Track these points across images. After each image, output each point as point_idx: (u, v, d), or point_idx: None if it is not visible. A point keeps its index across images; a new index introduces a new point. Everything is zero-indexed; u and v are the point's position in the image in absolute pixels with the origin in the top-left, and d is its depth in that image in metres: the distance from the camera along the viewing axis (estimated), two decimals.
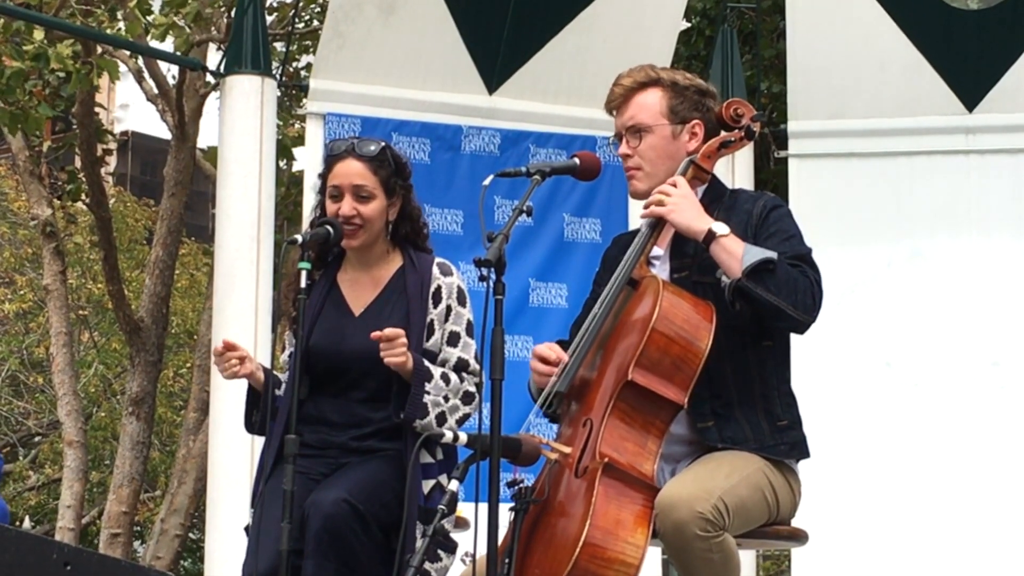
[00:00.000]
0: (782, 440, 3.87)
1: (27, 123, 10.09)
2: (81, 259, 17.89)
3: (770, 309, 3.75)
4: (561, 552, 3.55)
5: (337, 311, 4.34)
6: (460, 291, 4.36)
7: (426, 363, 4.21)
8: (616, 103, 4.03)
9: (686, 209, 3.84)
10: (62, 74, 10.56)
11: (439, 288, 4.33)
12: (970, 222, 7.15)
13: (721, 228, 3.79)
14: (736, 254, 3.75)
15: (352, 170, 4.29)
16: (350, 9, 6.99)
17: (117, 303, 12.06)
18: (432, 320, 4.31)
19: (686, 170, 3.97)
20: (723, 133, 4.02)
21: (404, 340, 4.10)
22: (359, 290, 4.37)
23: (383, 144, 4.38)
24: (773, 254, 3.75)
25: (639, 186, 4.02)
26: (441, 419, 4.19)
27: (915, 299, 7.14)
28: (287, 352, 4.45)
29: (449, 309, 4.33)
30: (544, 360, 3.89)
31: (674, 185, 3.89)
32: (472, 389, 4.28)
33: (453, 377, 4.26)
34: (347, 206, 4.26)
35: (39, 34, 9.29)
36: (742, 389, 3.85)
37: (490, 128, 7.22)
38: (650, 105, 3.99)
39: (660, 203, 3.86)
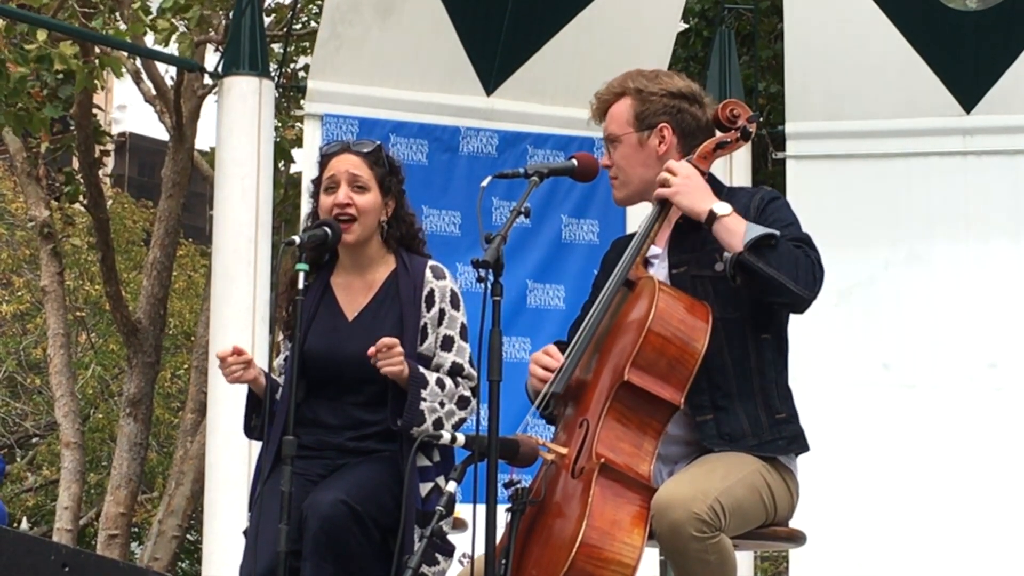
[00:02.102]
0: (780, 434, 3.87)
1: (32, 124, 10.08)
2: (79, 260, 17.87)
3: (771, 283, 3.75)
4: (558, 552, 3.55)
5: (331, 315, 4.34)
6: (453, 294, 4.36)
7: (421, 369, 4.21)
8: (595, 116, 4.11)
9: (690, 190, 3.86)
10: (60, 75, 10.55)
11: (432, 292, 4.33)
12: (967, 224, 7.15)
13: (723, 208, 3.81)
14: (738, 231, 3.77)
15: (349, 162, 4.32)
16: (347, 10, 6.99)
17: (114, 304, 12.06)
18: (425, 324, 4.30)
19: None
20: (719, 134, 4.04)
21: (400, 349, 4.10)
22: (352, 294, 4.37)
23: (378, 143, 4.41)
24: (775, 231, 3.77)
25: (616, 194, 4.09)
26: (438, 425, 4.19)
27: (912, 301, 7.14)
28: (282, 356, 4.45)
29: (442, 313, 4.32)
30: (545, 368, 3.89)
31: (675, 166, 3.91)
32: (467, 393, 4.28)
33: (448, 382, 4.25)
34: (343, 194, 4.28)
35: (42, 35, 9.29)
36: (741, 381, 3.85)
37: (488, 129, 7.22)
38: (619, 115, 4.04)
39: (665, 183, 3.88)
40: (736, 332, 3.85)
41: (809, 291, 3.79)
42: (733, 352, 3.85)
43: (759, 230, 3.75)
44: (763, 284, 3.77)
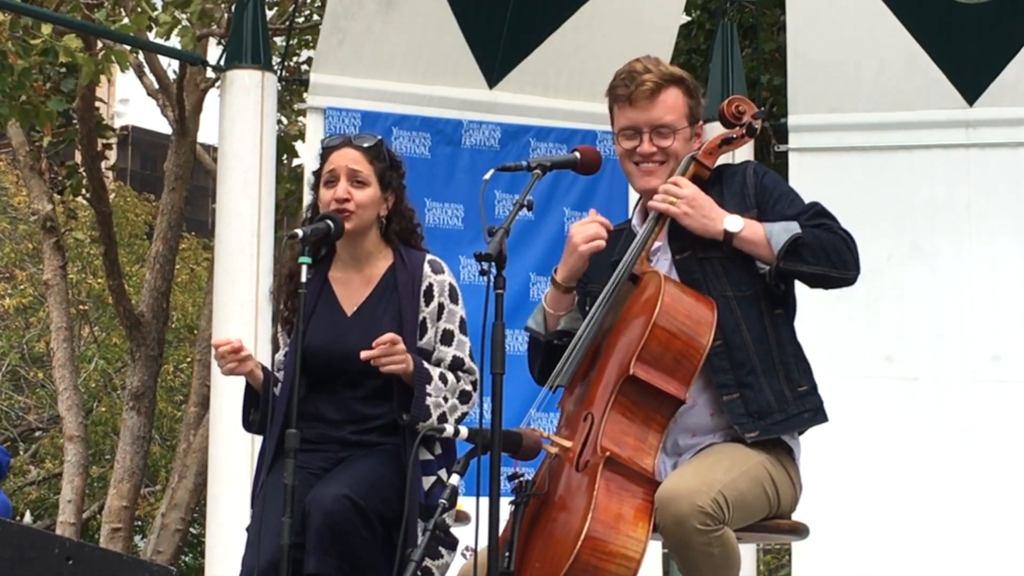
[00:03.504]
0: (804, 407, 3.90)
1: (38, 118, 10.08)
2: (81, 254, 17.88)
3: (815, 278, 3.84)
4: (562, 546, 3.55)
5: (330, 311, 4.34)
6: (452, 288, 4.36)
7: (425, 364, 4.21)
8: (644, 97, 3.95)
9: (699, 213, 3.86)
10: (63, 69, 10.54)
11: (431, 286, 4.32)
12: (970, 216, 7.15)
13: (735, 224, 3.82)
14: (761, 241, 3.81)
15: (349, 156, 4.31)
16: (350, 4, 7.00)
17: (117, 298, 12.06)
18: (424, 318, 4.30)
19: (687, 167, 3.97)
20: (724, 130, 4.03)
21: (402, 345, 4.10)
22: (351, 289, 4.36)
23: (379, 138, 4.40)
24: (795, 227, 3.80)
25: (655, 182, 3.96)
26: (441, 420, 4.18)
27: (915, 293, 7.14)
28: (281, 352, 4.43)
29: (441, 307, 4.32)
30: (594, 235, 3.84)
31: (677, 185, 3.88)
32: (469, 388, 4.29)
33: (450, 377, 4.26)
34: (342, 189, 4.27)
35: (47, 29, 9.29)
36: (763, 357, 3.87)
37: (490, 122, 7.22)
38: (678, 106, 3.98)
39: (672, 203, 3.86)
40: (752, 309, 3.88)
41: (851, 270, 3.87)
42: (751, 329, 3.87)
43: (782, 233, 3.78)
44: (807, 281, 3.86)
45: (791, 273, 3.82)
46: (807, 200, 3.99)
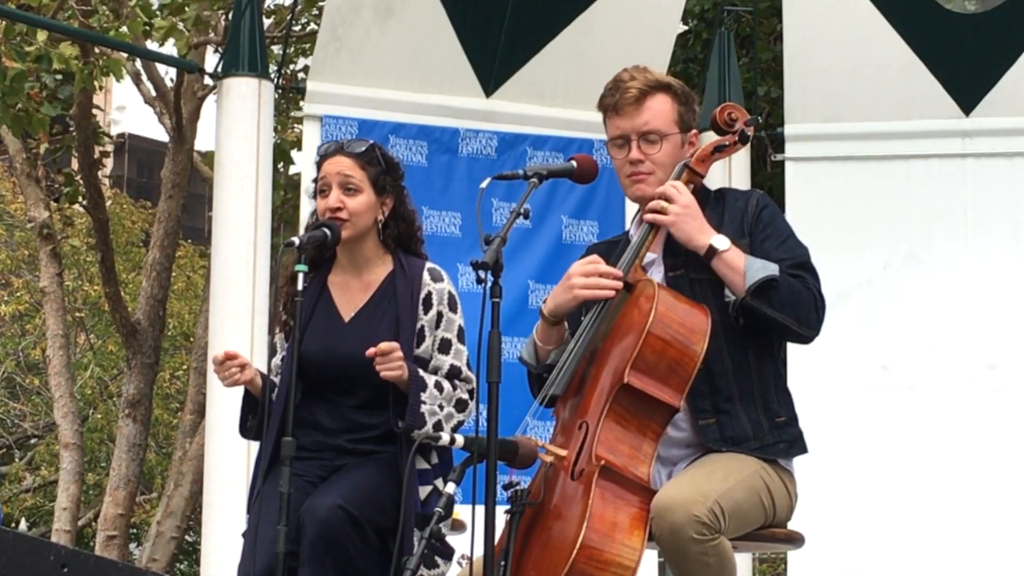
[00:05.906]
0: (781, 437, 3.88)
1: (31, 125, 10.07)
2: (78, 261, 17.88)
3: (775, 324, 3.80)
4: (558, 554, 3.55)
5: (327, 316, 4.33)
6: (451, 297, 4.35)
7: (420, 372, 4.21)
8: (629, 104, 3.96)
9: (689, 222, 3.85)
10: (59, 76, 10.55)
11: (430, 294, 4.32)
12: (966, 225, 7.16)
13: (722, 243, 3.81)
14: (739, 269, 3.78)
15: (340, 164, 4.31)
16: (347, 12, 7.00)
17: (113, 305, 12.06)
18: (423, 326, 4.30)
19: (680, 174, 3.96)
20: (716, 137, 4.03)
21: (399, 353, 4.10)
22: (349, 295, 4.36)
23: (372, 143, 4.39)
24: (775, 269, 3.78)
25: (648, 190, 3.96)
26: (437, 428, 4.18)
27: (911, 302, 7.15)
28: (279, 356, 4.44)
29: (440, 315, 4.32)
30: (600, 274, 3.82)
31: (676, 191, 3.89)
32: (465, 396, 4.28)
33: (446, 385, 4.26)
34: (333, 198, 4.27)
35: (42, 36, 9.29)
36: (742, 384, 3.86)
37: (487, 131, 7.23)
38: (664, 112, 3.97)
39: (663, 211, 3.86)
40: (737, 336, 3.86)
41: (812, 330, 3.85)
42: (734, 356, 3.86)
43: (760, 270, 3.77)
44: (767, 324, 3.81)
45: (754, 311, 3.78)
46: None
